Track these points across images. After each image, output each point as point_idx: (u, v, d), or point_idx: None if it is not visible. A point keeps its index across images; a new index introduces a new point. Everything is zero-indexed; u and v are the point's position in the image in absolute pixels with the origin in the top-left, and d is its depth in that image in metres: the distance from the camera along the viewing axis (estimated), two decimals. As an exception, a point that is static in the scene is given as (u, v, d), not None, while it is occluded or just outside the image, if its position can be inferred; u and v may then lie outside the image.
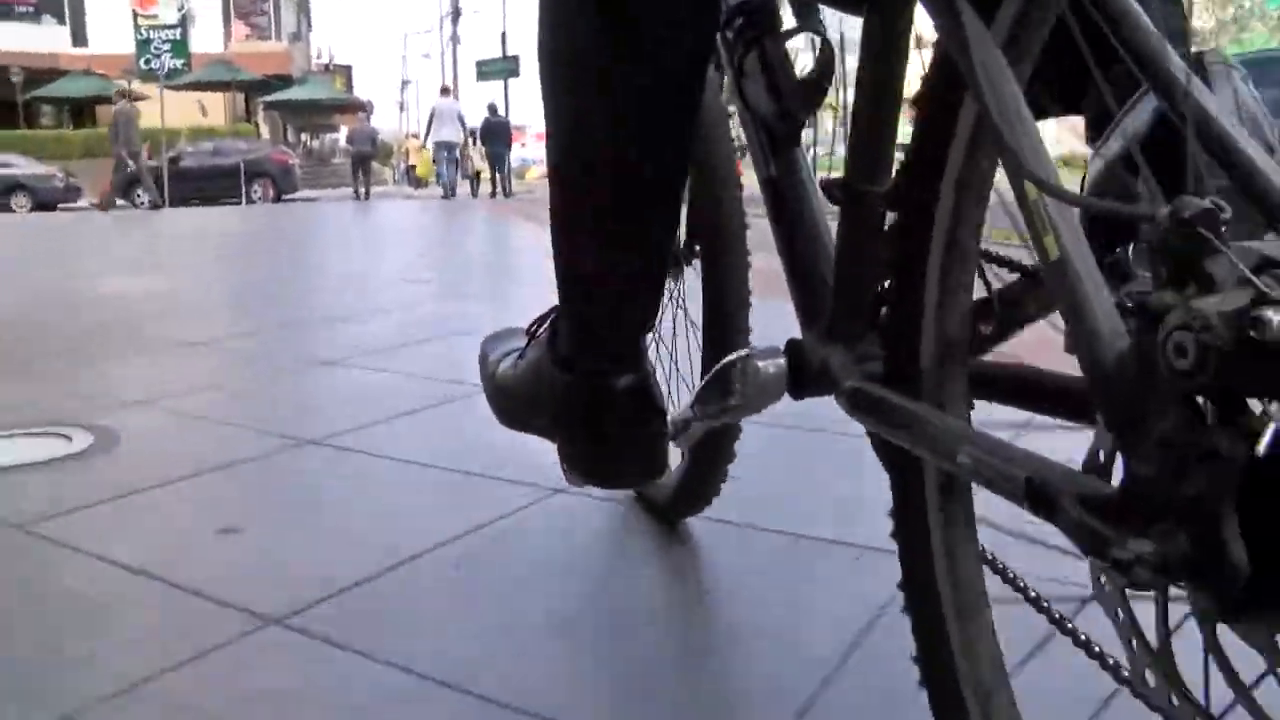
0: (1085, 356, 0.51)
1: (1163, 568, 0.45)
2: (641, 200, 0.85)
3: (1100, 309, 0.51)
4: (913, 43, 0.76)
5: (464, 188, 18.27)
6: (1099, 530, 0.49)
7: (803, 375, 0.90)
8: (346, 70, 40.03)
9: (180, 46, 28.92)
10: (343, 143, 25.31)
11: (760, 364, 0.93)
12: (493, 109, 17.97)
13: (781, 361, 0.92)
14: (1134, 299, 0.48)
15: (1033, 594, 0.71)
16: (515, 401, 1.10)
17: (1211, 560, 0.43)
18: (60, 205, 19.56)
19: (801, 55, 0.96)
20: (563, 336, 0.98)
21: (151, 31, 28.92)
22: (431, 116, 17.09)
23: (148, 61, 28.42)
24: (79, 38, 30.81)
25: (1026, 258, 0.69)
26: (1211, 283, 0.42)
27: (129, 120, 14.82)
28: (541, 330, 1.06)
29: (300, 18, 37.69)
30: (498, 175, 17.78)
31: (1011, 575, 0.73)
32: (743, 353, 0.94)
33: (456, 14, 32.35)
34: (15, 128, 25.75)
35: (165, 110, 26.32)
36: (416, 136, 19.50)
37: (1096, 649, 0.64)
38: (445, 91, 18.00)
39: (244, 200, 18.95)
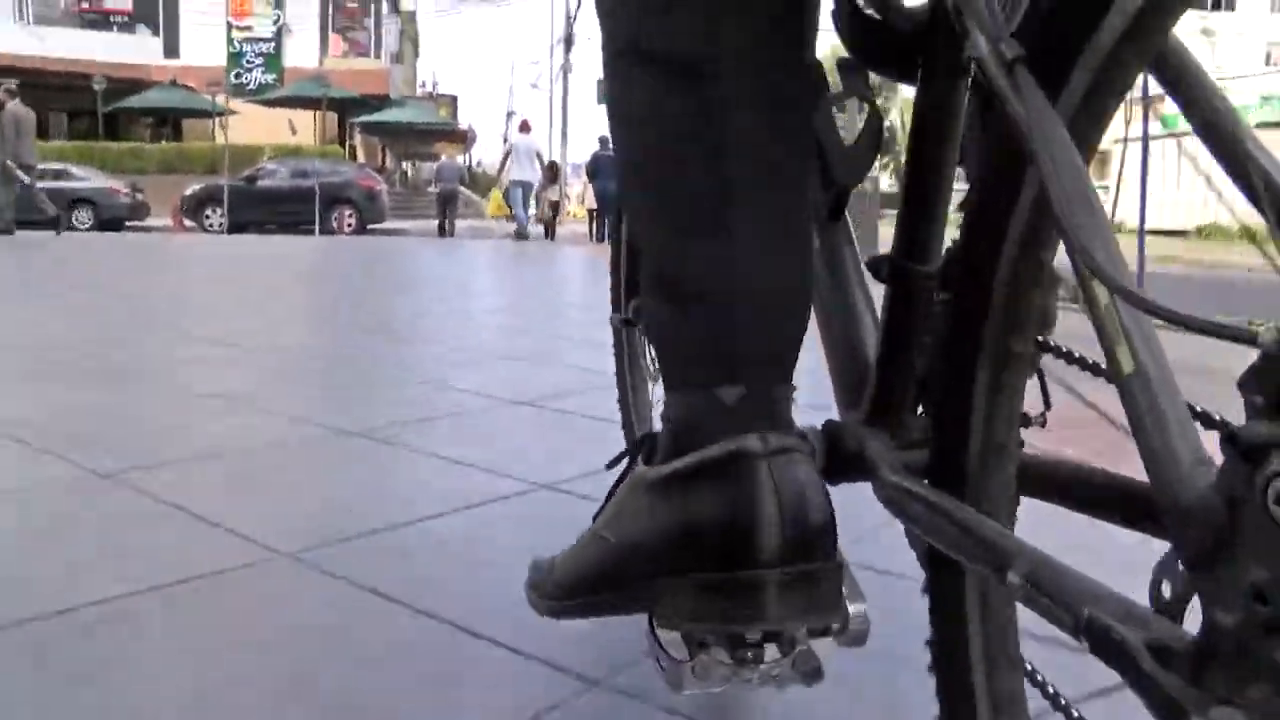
0: (1161, 485, 0.46)
1: None
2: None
3: (1182, 432, 0.46)
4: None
5: (535, 228, 17.21)
6: (1176, 694, 0.42)
7: (838, 460, 0.84)
8: (451, 100, 38.17)
9: (273, 61, 27.32)
10: (429, 175, 23.25)
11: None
12: (604, 141, 15.58)
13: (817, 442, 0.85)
14: (1229, 427, 0.42)
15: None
16: (581, 566, 0.82)
17: None
18: (127, 223, 17.64)
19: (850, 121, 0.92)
20: (664, 437, 0.73)
21: (245, 44, 27.39)
22: (508, 154, 16.03)
23: (238, 75, 26.73)
24: (171, 49, 29.55)
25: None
26: None
27: (18, 123, 11.35)
28: (620, 462, 0.85)
29: (404, 40, 36.06)
30: (606, 216, 15.68)
31: (1057, 695, 0.70)
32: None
33: (569, 41, 30.25)
34: (95, 139, 24.10)
35: (253, 127, 24.62)
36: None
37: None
38: (525, 128, 16.64)
39: (318, 228, 16.67)
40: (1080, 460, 0.69)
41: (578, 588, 0.82)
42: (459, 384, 2.98)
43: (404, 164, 32.25)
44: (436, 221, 17.34)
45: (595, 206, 16.72)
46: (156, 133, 26.86)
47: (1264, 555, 0.39)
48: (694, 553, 0.69)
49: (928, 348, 0.76)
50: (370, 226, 18.41)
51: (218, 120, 24.99)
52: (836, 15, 0.77)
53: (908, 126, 0.78)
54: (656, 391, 1.49)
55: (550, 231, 17.37)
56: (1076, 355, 0.68)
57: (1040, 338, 0.64)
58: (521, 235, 15.20)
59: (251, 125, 25.10)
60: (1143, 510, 0.57)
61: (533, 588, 0.88)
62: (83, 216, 16.87)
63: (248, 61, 26.67)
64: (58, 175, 16.29)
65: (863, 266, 0.90)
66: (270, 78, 26.87)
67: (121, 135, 24.90)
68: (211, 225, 17.58)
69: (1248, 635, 0.40)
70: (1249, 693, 0.40)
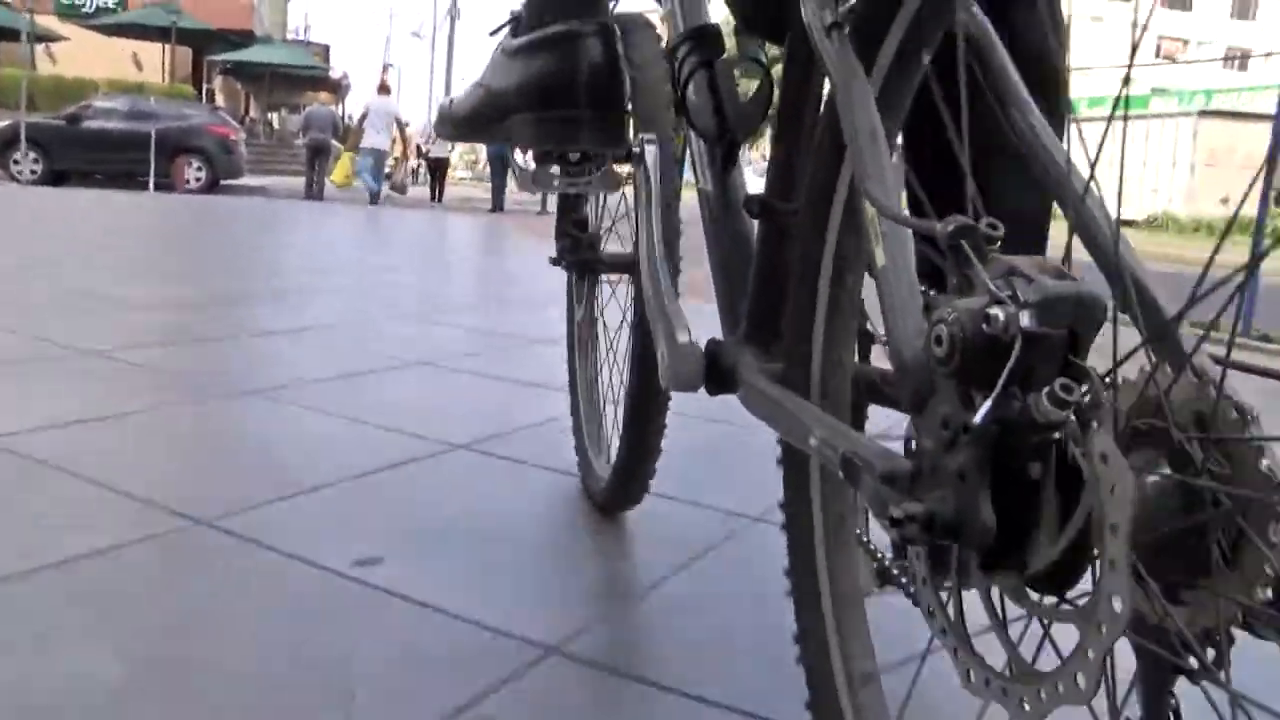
0: (894, 351, 0.60)
1: (929, 524, 0.53)
2: None
3: (907, 309, 0.59)
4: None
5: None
6: (884, 495, 0.57)
7: (716, 374, 0.96)
8: (324, 49, 34.41)
9: (115, -19, 23.52)
10: (296, 126, 20.17)
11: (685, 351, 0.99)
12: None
13: (700, 354, 0.98)
14: (925, 299, 0.56)
15: (902, 580, 0.76)
16: (473, 105, 1.24)
17: (967, 517, 0.52)
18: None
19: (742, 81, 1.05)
20: (527, 16, 1.18)
21: (82, -39, 23.47)
22: (364, 116, 13.91)
23: (71, -5, 22.94)
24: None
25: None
26: (971, 288, 0.52)
27: None
28: (499, 31, 1.24)
29: (272, -28, 32.34)
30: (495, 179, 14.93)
31: (887, 563, 0.79)
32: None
33: (457, -16, 27.39)
34: None
35: (90, 59, 21.10)
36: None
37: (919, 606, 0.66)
38: (383, 88, 14.64)
39: (152, 182, 13.69)
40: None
41: (470, 121, 1.25)
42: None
43: (269, 114, 28.78)
44: (305, 179, 14.58)
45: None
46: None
47: (945, 394, 0.54)
48: (537, 98, 1.11)
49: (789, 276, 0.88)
50: (222, 182, 15.49)
51: (39, 47, 21.29)
52: None
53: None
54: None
55: (437, 194, 16.18)
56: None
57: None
58: (373, 201, 13.58)
59: (88, 57, 21.56)
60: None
61: (442, 122, 1.34)
62: None
63: (84, -19, 23.02)
64: None
65: None
66: (111, 1, 23.25)
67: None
68: (21, 173, 14.40)
69: (934, 453, 0.55)
70: (933, 494, 0.54)
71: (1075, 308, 0.48)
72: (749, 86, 1.03)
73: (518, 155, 1.24)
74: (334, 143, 14.26)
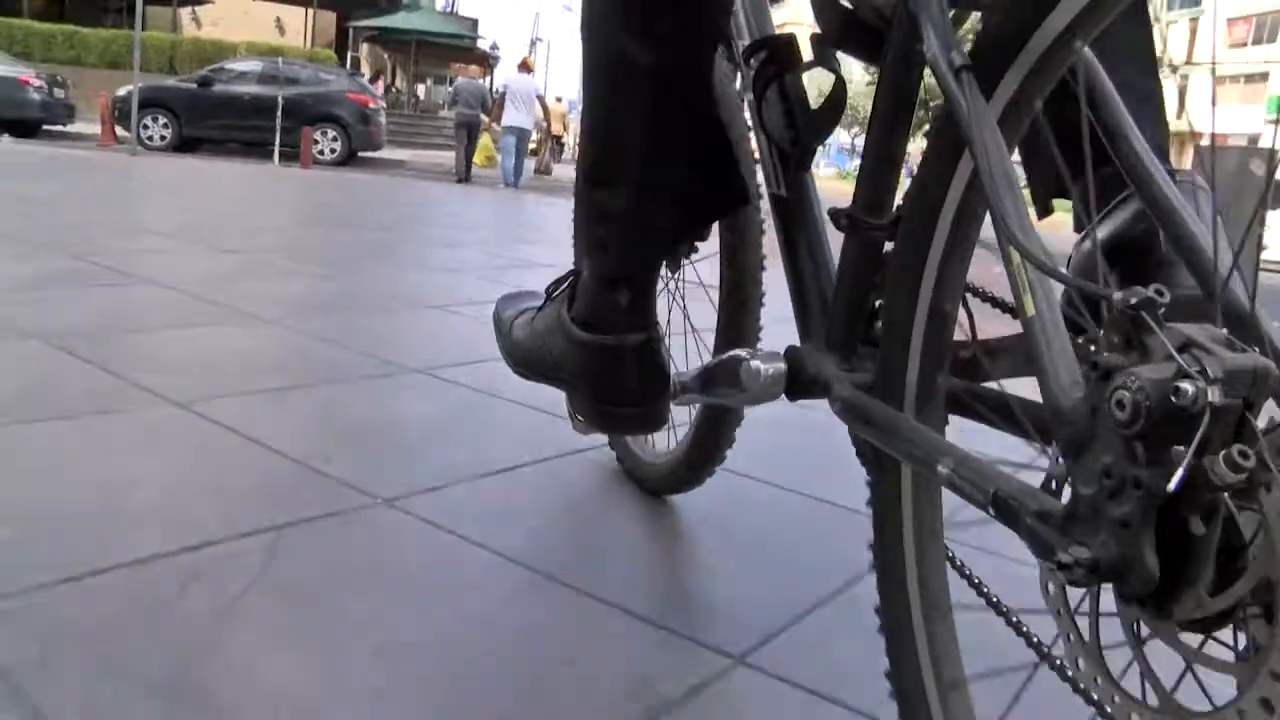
0: (1048, 397, 0.62)
1: (1094, 569, 0.56)
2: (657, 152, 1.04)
3: (1063, 360, 0.62)
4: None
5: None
6: (1047, 538, 0.60)
7: (798, 380, 1.00)
8: (471, 23, 33.32)
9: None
10: (443, 99, 18.88)
11: (763, 366, 1.02)
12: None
13: (781, 366, 1.01)
14: (1092, 357, 0.58)
15: (992, 598, 0.81)
16: (531, 355, 1.24)
17: (1132, 565, 0.55)
18: (45, 127, 13.72)
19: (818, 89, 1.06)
20: (581, 298, 1.14)
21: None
22: (503, 96, 12.69)
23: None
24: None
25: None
26: (1148, 355, 0.55)
27: None
28: (560, 291, 1.21)
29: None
30: None
31: (976, 580, 0.83)
32: (749, 351, 1.04)
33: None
34: (19, 15, 19.24)
35: (232, 24, 20.37)
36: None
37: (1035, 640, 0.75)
38: (525, 66, 12.93)
39: (277, 153, 12.48)
40: (997, 386, 0.83)
41: (528, 365, 1.25)
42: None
43: (416, 85, 27.72)
44: (455, 157, 12.89)
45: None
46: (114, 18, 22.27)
47: (1108, 446, 0.56)
48: (595, 388, 1.16)
49: (875, 286, 0.91)
50: (360, 154, 14.29)
51: (185, 10, 20.64)
52: (814, 3, 0.91)
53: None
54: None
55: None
56: (990, 294, 0.87)
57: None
58: (509, 183, 12.30)
59: (233, 21, 20.88)
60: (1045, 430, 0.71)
61: (504, 351, 1.32)
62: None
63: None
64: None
65: (823, 216, 1.03)
66: (257, -37, 22.53)
67: (69, 18, 20.26)
68: (152, 139, 13.47)
69: (1096, 500, 0.57)
70: (1095, 539, 0.57)
71: (1252, 379, 0.52)
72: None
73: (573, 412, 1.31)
74: (483, 117, 12.81)
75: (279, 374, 2.21)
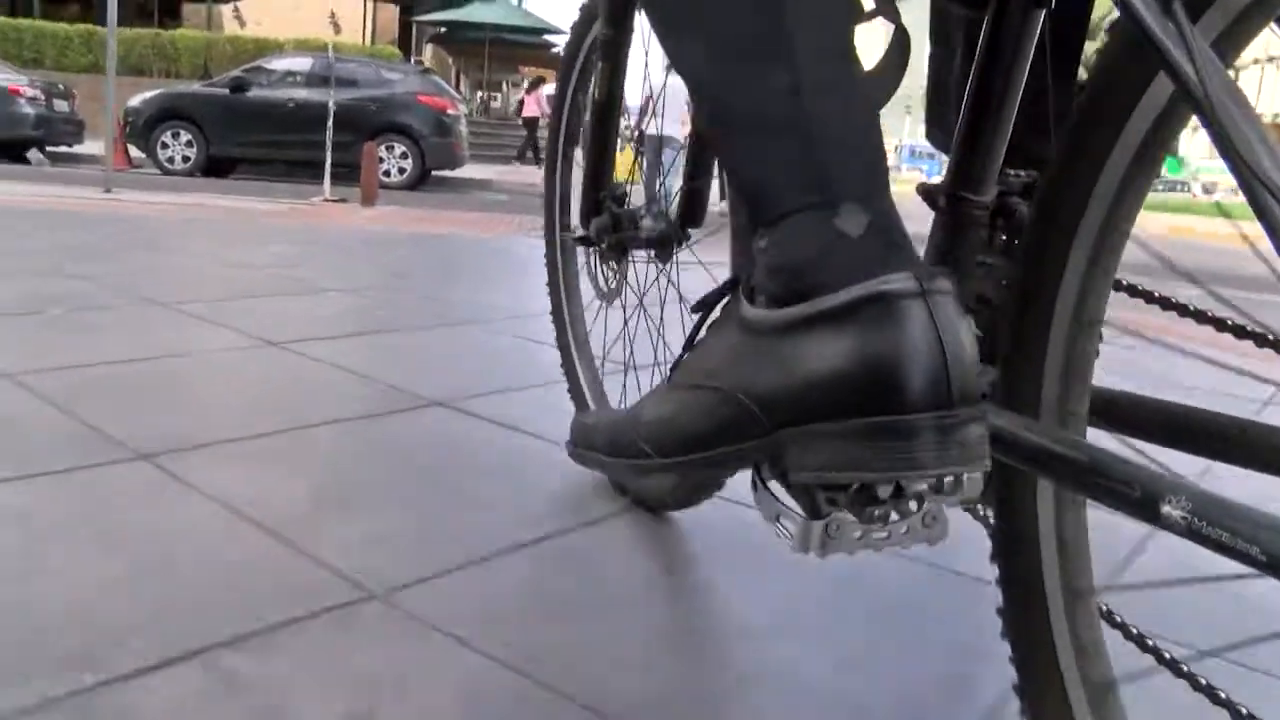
0: None
1: None
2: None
3: None
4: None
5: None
6: None
7: None
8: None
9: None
10: (530, 107, 15.76)
11: None
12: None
13: None
14: None
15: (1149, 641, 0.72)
16: (697, 425, 0.74)
17: None
18: (48, 147, 10.93)
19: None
20: (778, 262, 0.66)
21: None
22: (648, 99, 8.32)
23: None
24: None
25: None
26: None
27: None
28: (718, 305, 0.77)
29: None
30: None
31: (1135, 632, 0.74)
32: None
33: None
34: (28, 15, 16.65)
35: (283, 20, 17.54)
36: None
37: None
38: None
39: (327, 179, 8.90)
40: (1140, 394, 0.71)
41: (688, 444, 0.73)
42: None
43: (480, 95, 24.56)
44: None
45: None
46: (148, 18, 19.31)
47: None
48: (837, 399, 0.62)
49: (976, 274, 0.80)
50: (434, 172, 11.21)
51: (228, 6, 17.76)
52: None
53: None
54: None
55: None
56: (1142, 289, 0.74)
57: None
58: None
59: (280, 16, 18.02)
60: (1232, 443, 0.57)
61: (610, 451, 0.83)
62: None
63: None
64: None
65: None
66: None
67: (93, 18, 17.46)
68: (172, 161, 10.49)
69: None
70: None
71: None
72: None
73: (785, 495, 0.69)
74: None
75: None
